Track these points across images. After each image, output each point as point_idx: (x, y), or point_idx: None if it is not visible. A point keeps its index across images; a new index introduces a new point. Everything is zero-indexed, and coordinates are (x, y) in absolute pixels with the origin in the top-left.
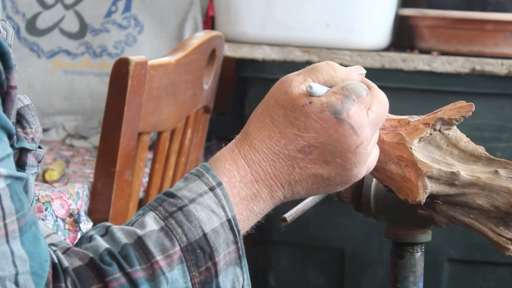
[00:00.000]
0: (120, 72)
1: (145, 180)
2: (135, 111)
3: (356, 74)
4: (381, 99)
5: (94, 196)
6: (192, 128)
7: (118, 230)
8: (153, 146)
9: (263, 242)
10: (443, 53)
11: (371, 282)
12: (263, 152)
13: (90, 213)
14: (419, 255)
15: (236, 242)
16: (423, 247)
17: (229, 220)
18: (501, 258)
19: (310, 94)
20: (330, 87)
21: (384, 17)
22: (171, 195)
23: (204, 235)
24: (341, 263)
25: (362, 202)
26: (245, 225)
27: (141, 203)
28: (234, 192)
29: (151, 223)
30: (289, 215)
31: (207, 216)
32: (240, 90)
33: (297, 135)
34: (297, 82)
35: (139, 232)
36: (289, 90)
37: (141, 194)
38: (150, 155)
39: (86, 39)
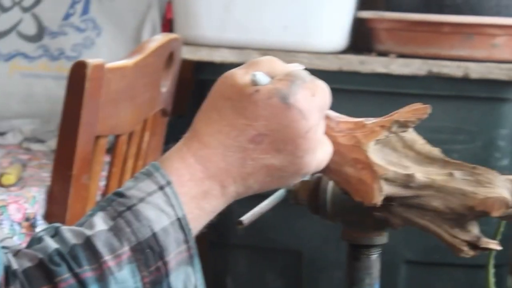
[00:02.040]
0: (77, 75)
1: (103, 183)
2: (92, 114)
3: (294, 67)
4: (323, 87)
5: (51, 200)
6: (150, 131)
7: (67, 231)
8: (111, 150)
9: (221, 246)
10: (401, 55)
11: (329, 284)
12: (213, 147)
13: (47, 217)
14: (375, 257)
15: (186, 241)
16: (379, 249)
17: (178, 219)
18: (457, 260)
19: (254, 83)
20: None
21: (342, 19)
22: (120, 194)
23: (154, 234)
24: (298, 265)
25: (318, 205)
26: (196, 224)
27: None
28: (183, 191)
29: (100, 223)
30: (246, 218)
31: (156, 215)
32: (198, 93)
33: (247, 124)
34: (240, 75)
35: (88, 232)
36: (234, 82)
37: (98, 198)
38: (107, 158)
39: (44, 42)
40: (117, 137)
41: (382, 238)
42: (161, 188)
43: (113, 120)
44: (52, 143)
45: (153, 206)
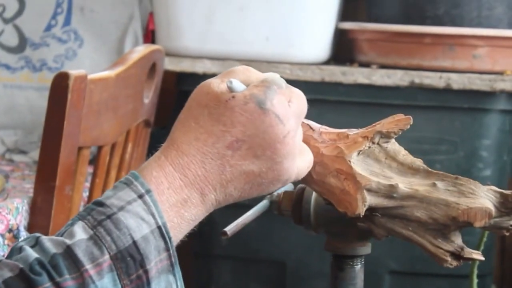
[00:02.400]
0: (60, 86)
1: (86, 194)
2: (75, 126)
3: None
4: (299, 94)
5: (34, 211)
6: (133, 142)
7: (47, 241)
8: (94, 161)
9: (205, 256)
10: (383, 66)
11: None
12: (191, 154)
13: (30, 228)
14: (359, 267)
15: (167, 249)
16: (362, 260)
17: (159, 227)
18: (441, 270)
19: (230, 90)
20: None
21: (324, 31)
22: (100, 204)
23: (134, 242)
24: (282, 276)
25: (302, 215)
26: (176, 232)
27: None
28: (162, 199)
29: (80, 232)
30: (230, 228)
31: (137, 224)
32: (181, 104)
33: (224, 131)
34: (216, 83)
35: (68, 241)
36: (210, 90)
37: (81, 209)
38: (90, 169)
39: (26, 53)
40: (100, 148)
41: (366, 249)
42: (140, 196)
43: (95, 131)
44: (35, 154)
45: (133, 215)
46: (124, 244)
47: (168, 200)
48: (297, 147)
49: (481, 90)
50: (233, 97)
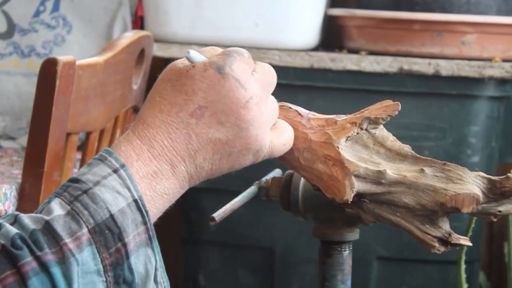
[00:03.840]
0: (48, 72)
1: None
2: (63, 112)
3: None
4: (265, 65)
5: (22, 197)
6: (121, 128)
7: (25, 218)
8: (82, 147)
9: (193, 242)
10: (371, 52)
11: (301, 281)
12: (156, 125)
13: None
14: (347, 253)
15: (144, 223)
16: (351, 246)
17: (135, 200)
18: (429, 256)
19: (190, 60)
20: None
21: (313, 17)
22: (75, 180)
23: (111, 216)
24: (270, 262)
25: (290, 201)
26: (150, 206)
27: None
28: (132, 171)
29: (57, 208)
30: (218, 214)
31: (113, 197)
32: None
33: (186, 99)
34: (180, 61)
35: (46, 217)
36: (173, 66)
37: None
38: (78, 155)
39: (14, 39)
40: (88, 134)
41: (354, 235)
42: (115, 171)
43: (84, 117)
44: (23, 140)
45: (109, 189)
46: (101, 218)
47: (138, 172)
48: (265, 117)
49: (469, 77)
50: (193, 66)
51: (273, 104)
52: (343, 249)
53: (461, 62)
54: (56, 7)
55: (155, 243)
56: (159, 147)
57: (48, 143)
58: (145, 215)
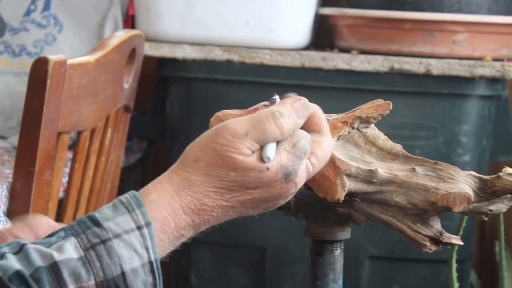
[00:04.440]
0: (39, 72)
1: (65, 180)
2: (54, 111)
3: (301, 121)
4: (325, 150)
5: (13, 197)
6: (113, 127)
7: (33, 251)
8: (73, 146)
9: (184, 242)
10: (363, 52)
11: (292, 280)
12: (206, 204)
13: (9, 213)
14: (338, 252)
15: (154, 285)
16: (342, 245)
17: (150, 262)
18: (420, 255)
19: (264, 162)
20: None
21: (304, 16)
22: (97, 223)
23: (123, 273)
24: (262, 261)
25: None
26: (164, 254)
27: (60, 203)
28: (164, 237)
29: (71, 250)
30: None
31: (129, 255)
32: (160, 89)
33: (246, 193)
34: (246, 149)
35: (56, 257)
36: (240, 159)
37: (61, 194)
38: (70, 154)
39: (5, 38)
40: (79, 133)
41: (345, 234)
42: (139, 228)
43: (75, 117)
44: (14, 140)
45: (127, 245)
46: (112, 274)
47: (169, 237)
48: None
49: (460, 76)
50: (267, 168)
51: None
52: (334, 248)
53: (452, 61)
54: (47, 6)
55: None
56: (198, 220)
57: (39, 142)
58: (157, 277)
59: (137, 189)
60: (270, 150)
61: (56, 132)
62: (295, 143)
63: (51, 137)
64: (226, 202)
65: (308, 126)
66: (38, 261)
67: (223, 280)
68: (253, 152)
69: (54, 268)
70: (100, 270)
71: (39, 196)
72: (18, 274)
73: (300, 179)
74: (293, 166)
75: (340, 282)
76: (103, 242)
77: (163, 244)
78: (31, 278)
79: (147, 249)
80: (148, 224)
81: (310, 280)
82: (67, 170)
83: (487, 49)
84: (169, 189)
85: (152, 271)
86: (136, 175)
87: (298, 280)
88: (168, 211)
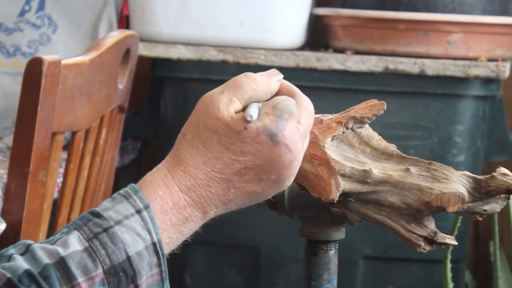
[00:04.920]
0: (33, 72)
1: (60, 180)
2: (49, 111)
3: (275, 82)
4: (307, 107)
5: (8, 197)
6: (107, 127)
7: (39, 250)
8: (68, 146)
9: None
10: (357, 52)
11: (287, 280)
12: (198, 178)
13: (4, 214)
14: (333, 252)
15: (159, 265)
16: (336, 245)
17: (154, 244)
18: (415, 255)
19: (248, 122)
20: (257, 102)
21: (298, 16)
22: (97, 215)
23: (128, 258)
24: (256, 261)
25: (276, 201)
26: (173, 246)
27: (55, 203)
28: (165, 218)
29: (75, 243)
30: None
31: (132, 239)
32: (155, 89)
33: (233, 159)
34: (224, 104)
35: (62, 252)
36: (219, 115)
37: (55, 195)
38: (64, 155)
39: None
40: (73, 133)
41: (340, 234)
42: (138, 211)
43: (69, 117)
44: (9, 140)
45: (129, 230)
46: (118, 259)
47: (171, 219)
48: (299, 164)
49: (455, 76)
50: (245, 128)
51: (307, 143)
52: (329, 248)
53: (446, 61)
54: (41, 7)
55: (167, 284)
56: (197, 197)
57: (34, 143)
58: (161, 257)
59: None
60: (252, 109)
61: (50, 132)
62: (275, 105)
63: (46, 138)
64: (219, 174)
65: (281, 94)
66: (45, 259)
67: (217, 280)
68: (236, 113)
69: (61, 263)
70: (106, 258)
71: (34, 196)
72: (27, 274)
73: (291, 141)
74: (276, 126)
75: (335, 282)
76: (105, 230)
77: (166, 227)
78: (40, 276)
79: (149, 231)
80: (147, 207)
81: (304, 280)
82: (61, 170)
83: (481, 50)
84: (163, 169)
85: (156, 252)
86: (131, 175)
87: (293, 280)
88: (163, 190)
